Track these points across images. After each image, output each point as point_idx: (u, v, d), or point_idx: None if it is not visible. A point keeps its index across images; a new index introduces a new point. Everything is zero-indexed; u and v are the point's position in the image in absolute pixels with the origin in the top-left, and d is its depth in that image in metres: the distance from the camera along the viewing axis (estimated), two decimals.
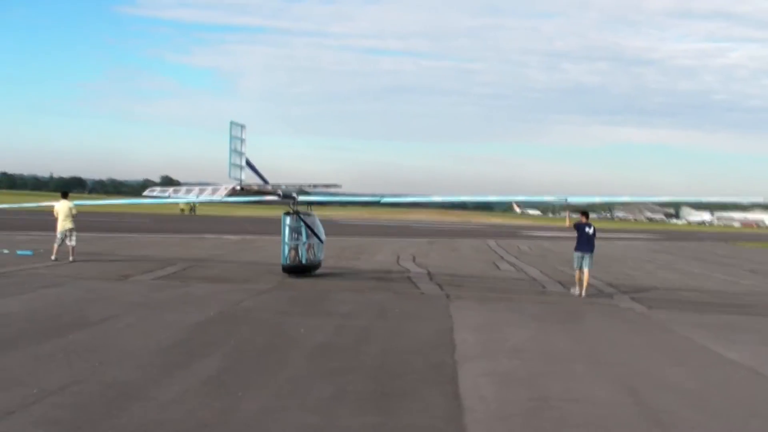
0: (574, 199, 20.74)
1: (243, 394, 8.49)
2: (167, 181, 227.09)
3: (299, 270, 21.04)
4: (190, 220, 60.92)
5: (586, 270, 20.02)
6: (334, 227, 60.69)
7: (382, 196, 21.66)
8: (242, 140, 18.69)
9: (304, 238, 21.12)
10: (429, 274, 24.31)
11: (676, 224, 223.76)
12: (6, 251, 24.14)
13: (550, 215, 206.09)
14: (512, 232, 72.31)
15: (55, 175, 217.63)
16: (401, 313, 15.57)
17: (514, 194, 25.34)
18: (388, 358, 11.04)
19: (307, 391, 8.79)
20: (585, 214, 21.06)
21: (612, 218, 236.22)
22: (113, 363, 9.71)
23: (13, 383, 8.45)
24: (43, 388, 8.28)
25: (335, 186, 20.45)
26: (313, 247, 21.78)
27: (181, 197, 21.13)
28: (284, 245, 21.02)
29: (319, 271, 22.25)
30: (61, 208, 23.20)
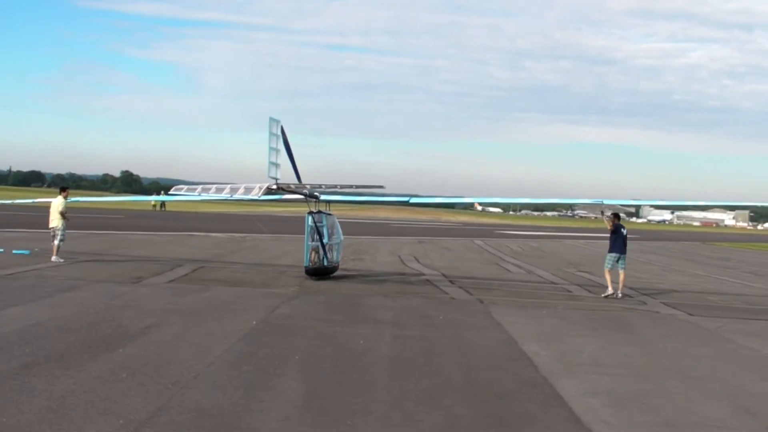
0: (609, 202, 20.09)
1: (354, 423, 7.52)
2: (127, 176, 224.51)
3: (320, 273, 20.04)
4: (168, 218, 59.33)
5: (622, 271, 20.30)
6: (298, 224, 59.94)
7: (411, 196, 20.76)
8: (278, 137, 17.72)
9: (325, 239, 20.12)
10: (445, 276, 23.44)
11: (636, 223, 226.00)
12: (1, 250, 22.75)
13: (511, 213, 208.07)
14: (489, 231, 71.90)
15: (14, 168, 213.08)
16: (448, 321, 14.69)
17: (547, 197, 24.59)
18: (473, 374, 10.15)
19: (420, 419, 7.86)
20: (617, 216, 20.64)
21: (573, 217, 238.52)
22: (187, 384, 8.66)
23: (92, 411, 7.38)
24: (130, 417, 7.23)
25: (379, 187, 19.53)
26: (333, 249, 20.79)
27: (212, 195, 19.94)
28: (306, 247, 20.00)
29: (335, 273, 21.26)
30: (53, 205, 21.94)
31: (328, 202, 21.39)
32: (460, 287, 20.57)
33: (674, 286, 24.87)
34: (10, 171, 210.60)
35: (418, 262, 28.77)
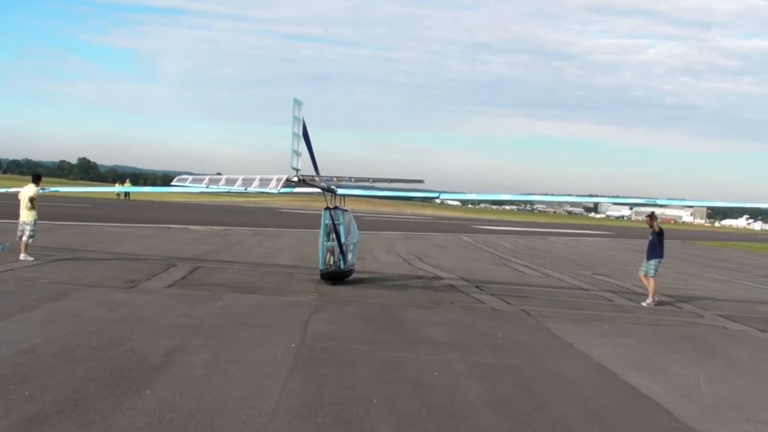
0: (663, 202, 18.13)
1: None
2: (84, 163, 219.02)
3: (337, 277, 17.71)
4: (138, 207, 56.42)
5: (652, 277, 18.63)
6: (282, 217, 57.49)
7: (440, 192, 18.50)
8: (299, 120, 15.40)
9: (342, 238, 17.76)
10: (465, 280, 21.24)
11: (595, 218, 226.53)
12: None
13: (470, 206, 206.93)
14: (466, 226, 69.93)
15: None
16: (512, 341, 12.50)
17: (596, 196, 22.52)
18: (608, 425, 7.91)
19: None
20: (654, 216, 18.73)
21: (532, 211, 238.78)
22: None
23: None
24: None
25: (418, 182, 17.22)
26: (350, 250, 18.45)
27: (222, 188, 17.39)
28: (322, 247, 17.62)
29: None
30: (22, 195, 19.05)
31: (346, 196, 19.03)
32: (492, 294, 18.37)
33: (706, 293, 23.03)
34: None
35: (423, 261, 26.53)
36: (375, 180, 17.16)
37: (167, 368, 8.83)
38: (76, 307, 12.36)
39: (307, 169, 16.77)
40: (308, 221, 42.99)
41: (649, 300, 18.44)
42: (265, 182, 15.79)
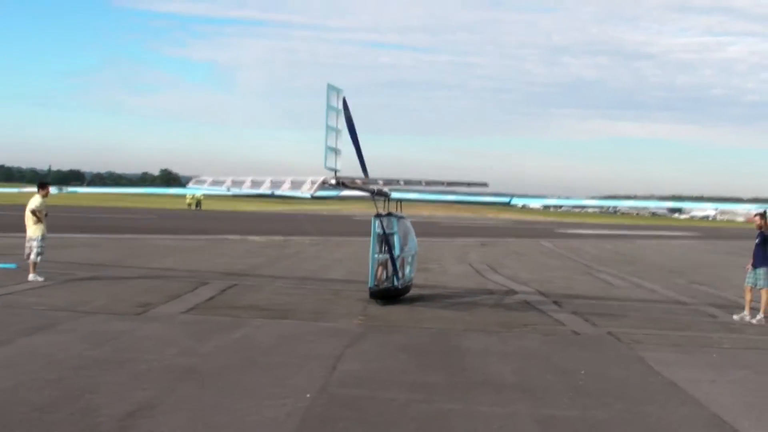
0: None
1: None
2: (166, 174, 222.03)
3: (390, 296, 15.09)
4: (203, 218, 54.99)
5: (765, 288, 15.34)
6: (350, 223, 55.11)
7: (512, 195, 15.80)
8: (339, 111, 12.96)
9: (396, 250, 15.15)
10: (543, 295, 18.37)
11: (679, 219, 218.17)
12: None
13: (551, 209, 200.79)
14: (548, 230, 66.42)
15: (54, 168, 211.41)
16: (597, 379, 9.71)
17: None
18: None
19: None
20: (766, 215, 15.66)
21: (615, 212, 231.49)
22: None
23: None
24: None
25: (482, 185, 14.58)
26: (406, 263, 15.84)
27: (245, 190, 15.12)
28: (372, 260, 15.01)
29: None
30: (28, 206, 16.63)
31: (401, 200, 16.41)
32: (573, 312, 15.49)
33: None
34: (50, 170, 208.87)
35: (497, 272, 23.68)
36: (428, 183, 14.48)
37: None
38: (54, 343, 10.08)
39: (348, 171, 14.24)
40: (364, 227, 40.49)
41: (761, 316, 15.36)
42: (297, 185, 13.33)
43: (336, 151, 13.36)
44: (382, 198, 15.55)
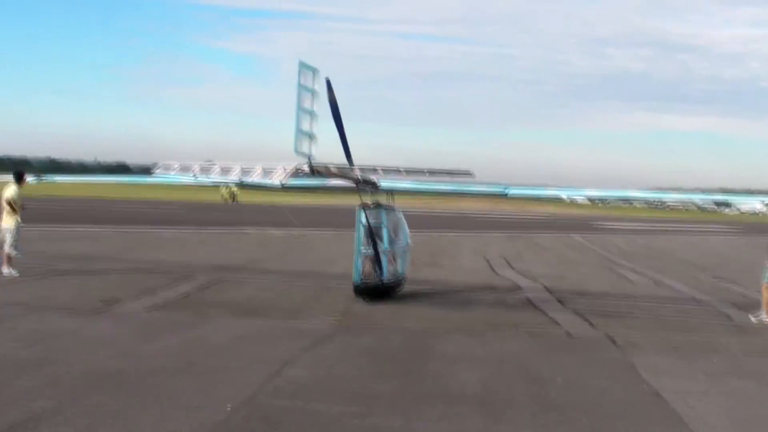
0: None
1: None
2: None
3: (377, 292, 14.14)
4: (229, 210, 54.53)
5: None
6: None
7: (507, 186, 14.77)
8: (314, 92, 12.08)
9: (385, 243, 14.20)
10: (549, 291, 17.33)
11: (727, 214, 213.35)
12: None
13: (598, 203, 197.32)
14: (585, 224, 64.76)
15: (100, 160, 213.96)
16: (573, 390, 8.72)
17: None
18: None
19: None
20: None
21: (664, 207, 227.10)
22: None
23: None
24: None
25: (466, 174, 13.63)
26: (396, 257, 14.86)
27: (214, 178, 14.37)
28: (357, 255, 14.07)
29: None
30: (4, 195, 15.93)
31: (392, 191, 15.40)
32: (575, 311, 14.44)
33: None
34: (97, 162, 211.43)
35: (511, 267, 22.62)
36: (408, 171, 13.53)
37: None
38: None
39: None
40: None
41: (763, 315, 14.19)
42: (268, 173, 12.50)
43: (311, 136, 12.43)
44: (369, 188, 14.58)
